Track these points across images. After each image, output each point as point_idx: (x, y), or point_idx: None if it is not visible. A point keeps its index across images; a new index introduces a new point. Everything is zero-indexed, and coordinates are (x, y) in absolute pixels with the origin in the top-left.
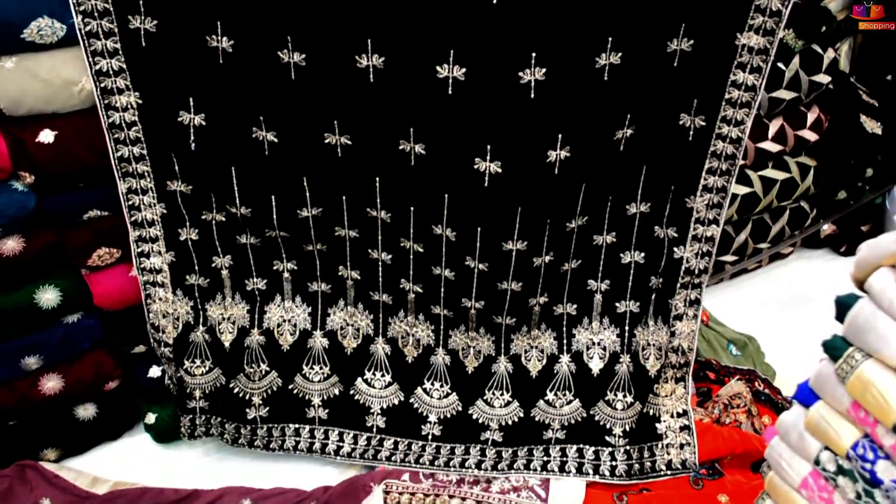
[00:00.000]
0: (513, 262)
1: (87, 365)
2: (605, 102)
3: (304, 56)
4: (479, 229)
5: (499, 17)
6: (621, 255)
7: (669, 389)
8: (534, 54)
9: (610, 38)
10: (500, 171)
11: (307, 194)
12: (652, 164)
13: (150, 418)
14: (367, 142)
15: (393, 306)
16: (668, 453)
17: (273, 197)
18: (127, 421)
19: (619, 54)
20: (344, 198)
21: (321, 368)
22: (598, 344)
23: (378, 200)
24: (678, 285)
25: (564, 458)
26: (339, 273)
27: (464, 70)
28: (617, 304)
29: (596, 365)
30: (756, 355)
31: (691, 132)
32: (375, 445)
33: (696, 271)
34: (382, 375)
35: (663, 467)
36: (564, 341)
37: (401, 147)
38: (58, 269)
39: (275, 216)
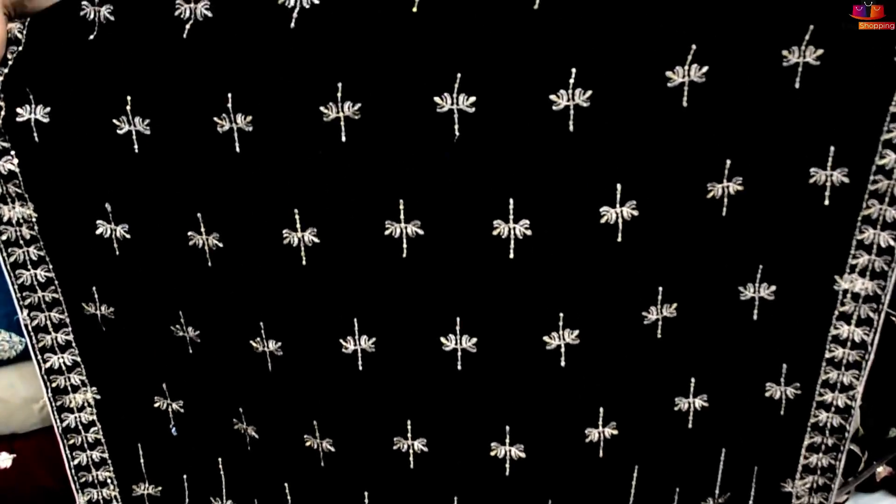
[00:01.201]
0: None
1: None
2: (660, 367)
3: (279, 344)
4: None
5: (514, 272)
6: None
7: None
8: (561, 314)
9: (661, 288)
10: (523, 455)
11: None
12: (732, 445)
13: None
14: (354, 445)
15: None
16: None
17: (256, 500)
18: None
19: (675, 305)
20: None
21: None
22: None
23: None
24: None
25: None
26: None
27: (475, 340)
28: None
29: None
30: None
31: (783, 404)
32: None
33: None
34: None
35: None
36: None
37: (396, 447)
38: None
39: None
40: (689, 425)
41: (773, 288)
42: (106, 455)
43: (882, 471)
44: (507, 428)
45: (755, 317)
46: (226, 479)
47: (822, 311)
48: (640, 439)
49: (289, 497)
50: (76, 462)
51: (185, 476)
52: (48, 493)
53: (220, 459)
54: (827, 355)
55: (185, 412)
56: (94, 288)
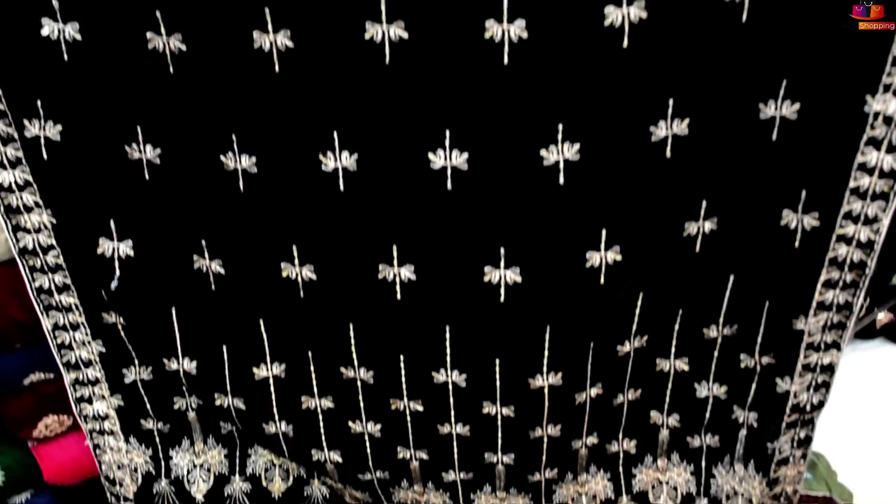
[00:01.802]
0: (546, 401)
1: None
2: (669, 188)
3: (254, 160)
4: (497, 362)
5: (508, 78)
6: (696, 385)
7: None
8: (560, 126)
9: (671, 101)
10: (519, 279)
11: (266, 345)
12: (741, 274)
13: None
14: (337, 273)
15: (391, 480)
16: None
17: (224, 347)
18: None
19: (686, 120)
20: (310, 353)
21: None
22: (667, 483)
23: (354, 356)
24: (783, 425)
25: None
26: (315, 457)
27: (466, 155)
28: (689, 439)
29: None
30: (829, 476)
31: (798, 235)
32: None
33: (809, 407)
34: None
35: None
36: (622, 482)
37: (381, 275)
38: None
39: (227, 373)
40: (697, 249)
41: (797, 106)
42: (69, 280)
43: (883, 318)
44: (502, 250)
45: (775, 137)
46: (180, 331)
47: (849, 135)
48: (645, 266)
49: (264, 335)
50: (37, 284)
51: (145, 317)
52: (20, 325)
53: (173, 309)
54: (852, 184)
55: (136, 254)
56: (38, 101)
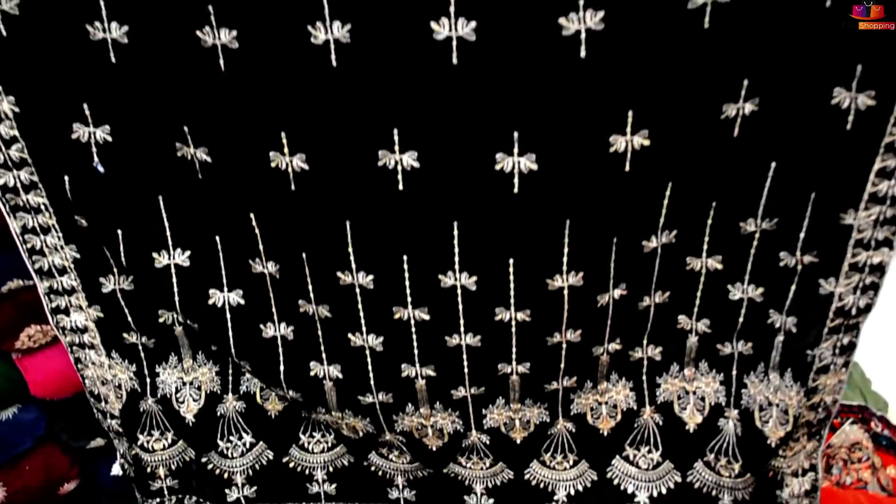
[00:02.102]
0: (566, 303)
1: (34, 467)
2: (705, 62)
3: (235, 34)
4: (510, 262)
5: None
6: (729, 286)
7: (799, 447)
8: None
9: None
10: (535, 167)
11: (259, 240)
12: (785, 161)
13: None
14: (332, 162)
15: (394, 405)
16: None
17: (218, 238)
18: None
19: None
20: (304, 255)
21: (324, 437)
22: (694, 393)
23: (352, 257)
24: (825, 331)
25: None
26: (312, 372)
27: (473, 24)
28: (720, 346)
29: (691, 418)
30: (863, 384)
31: (851, 116)
32: None
33: (855, 311)
34: (402, 453)
35: None
36: (646, 392)
37: (381, 162)
38: None
39: (223, 265)
40: (735, 133)
41: None
42: (36, 178)
43: None
44: (516, 135)
45: (828, 3)
46: (169, 220)
47: None
48: (676, 152)
49: (257, 230)
50: (2, 182)
51: (119, 220)
52: None
53: (160, 198)
54: None
55: (114, 141)
56: None
